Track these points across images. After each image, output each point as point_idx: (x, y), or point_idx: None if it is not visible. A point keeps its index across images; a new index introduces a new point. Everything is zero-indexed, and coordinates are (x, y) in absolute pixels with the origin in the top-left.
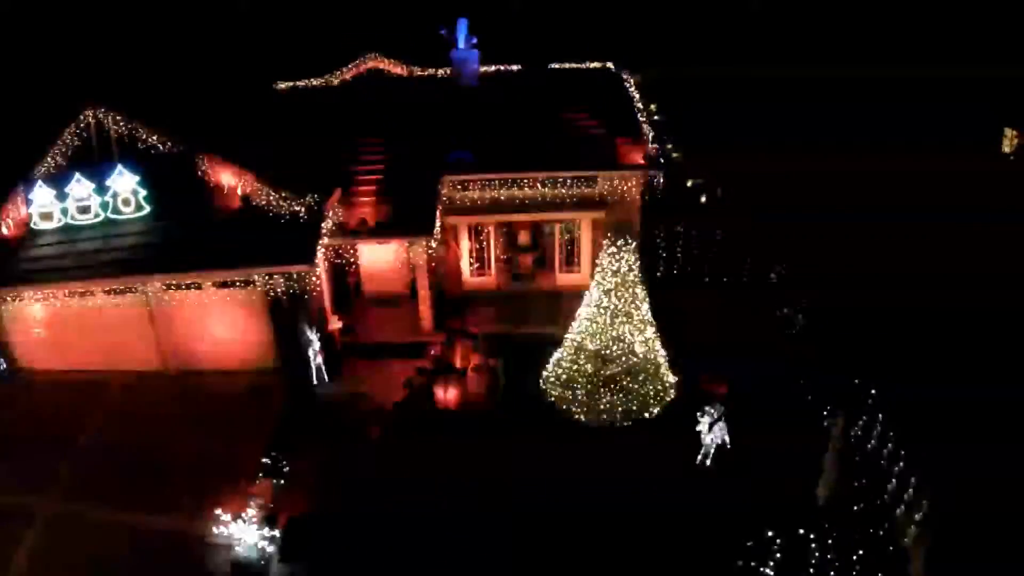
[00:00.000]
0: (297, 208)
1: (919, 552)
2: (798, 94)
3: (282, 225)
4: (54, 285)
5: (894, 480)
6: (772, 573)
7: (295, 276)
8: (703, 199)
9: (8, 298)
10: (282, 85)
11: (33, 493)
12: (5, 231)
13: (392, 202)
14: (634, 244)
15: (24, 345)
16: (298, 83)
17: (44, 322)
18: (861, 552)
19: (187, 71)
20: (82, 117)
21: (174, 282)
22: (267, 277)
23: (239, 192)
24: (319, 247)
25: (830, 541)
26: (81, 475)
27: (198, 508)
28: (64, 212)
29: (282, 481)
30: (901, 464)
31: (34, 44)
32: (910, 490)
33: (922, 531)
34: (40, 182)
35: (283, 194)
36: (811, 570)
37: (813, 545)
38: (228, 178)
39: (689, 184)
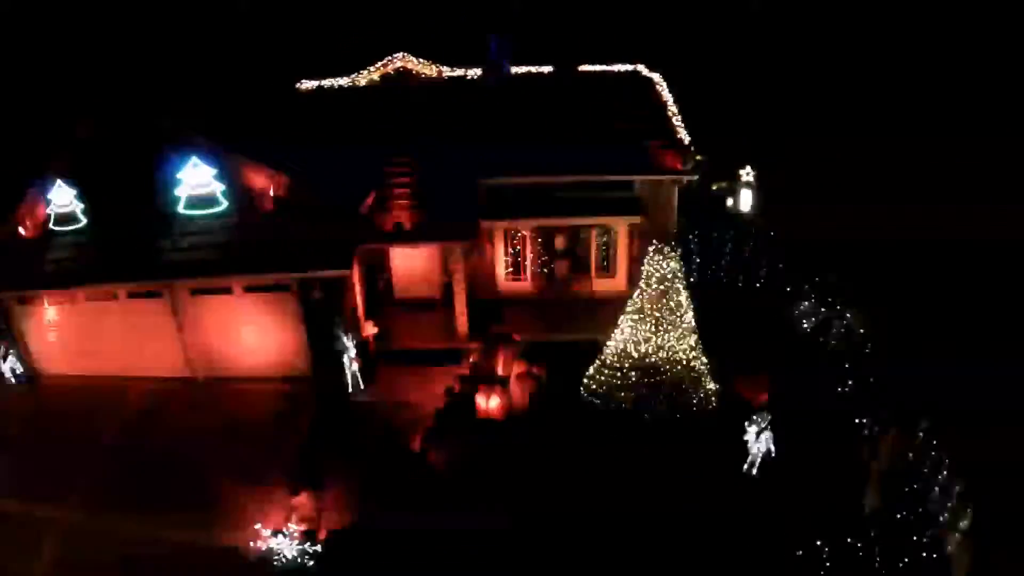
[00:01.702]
0: (332, 211)
1: (963, 560)
2: (802, 95)
3: (317, 228)
4: (74, 288)
5: (937, 489)
6: None
7: (331, 281)
8: (728, 203)
9: (26, 301)
10: (306, 85)
11: (53, 501)
12: (22, 231)
13: (430, 205)
14: (679, 250)
15: (42, 349)
16: (323, 83)
17: (63, 326)
18: (907, 560)
19: (207, 68)
20: (103, 111)
21: (203, 286)
22: (301, 282)
23: (271, 194)
24: (355, 251)
25: (877, 549)
26: (104, 484)
27: (232, 521)
28: (85, 212)
29: (320, 492)
30: (945, 472)
31: (55, 38)
32: (954, 497)
33: (967, 538)
34: (60, 181)
35: (317, 196)
36: None
37: (861, 554)
38: (259, 179)
39: (714, 188)
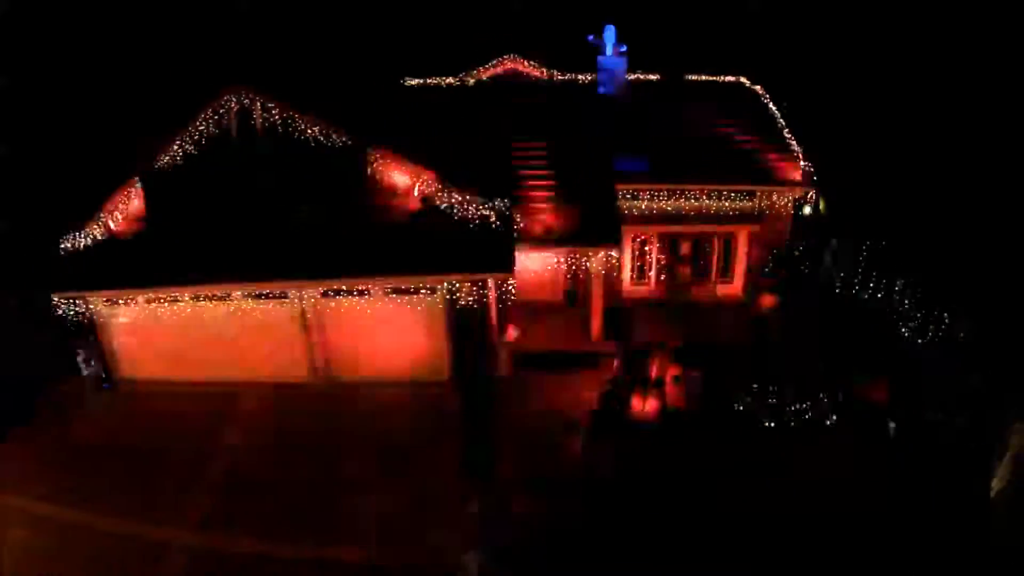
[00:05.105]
0: (486, 212)
1: None
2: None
3: (470, 229)
4: (183, 288)
5: None
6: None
7: (487, 285)
8: (807, 211)
9: (116, 301)
10: (412, 82)
11: (170, 521)
12: (112, 225)
13: (575, 210)
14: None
15: (132, 354)
16: (429, 81)
17: (158, 328)
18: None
19: (321, 59)
20: (223, 101)
21: (343, 287)
22: (454, 285)
23: (416, 193)
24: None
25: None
26: (226, 500)
27: (385, 537)
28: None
29: (491, 503)
30: None
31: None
32: None
33: None
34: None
35: (468, 196)
36: None
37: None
38: (402, 176)
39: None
